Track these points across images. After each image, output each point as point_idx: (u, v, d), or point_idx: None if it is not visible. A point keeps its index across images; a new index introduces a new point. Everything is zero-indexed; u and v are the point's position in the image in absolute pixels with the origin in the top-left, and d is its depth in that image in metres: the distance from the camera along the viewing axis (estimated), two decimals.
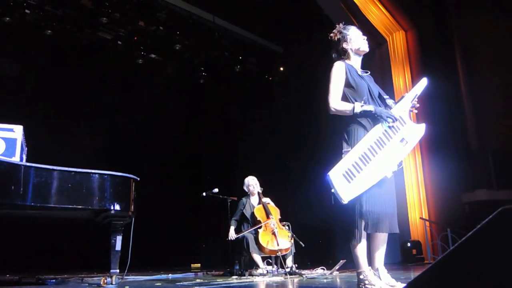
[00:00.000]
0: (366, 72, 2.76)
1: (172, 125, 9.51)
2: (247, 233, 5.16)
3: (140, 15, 8.03)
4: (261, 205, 5.33)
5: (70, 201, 3.21)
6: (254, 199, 5.51)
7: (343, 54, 2.74)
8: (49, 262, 6.87)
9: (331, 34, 2.78)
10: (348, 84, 2.62)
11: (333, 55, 2.78)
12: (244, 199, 5.52)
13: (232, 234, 5.21)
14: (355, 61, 2.74)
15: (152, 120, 8.95)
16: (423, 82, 2.72)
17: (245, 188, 5.57)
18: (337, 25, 2.80)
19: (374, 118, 2.50)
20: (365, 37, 2.75)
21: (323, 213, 6.86)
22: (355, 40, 2.72)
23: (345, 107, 2.54)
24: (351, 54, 2.73)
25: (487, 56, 8.40)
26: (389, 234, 2.55)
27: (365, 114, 2.50)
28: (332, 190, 2.31)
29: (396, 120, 2.50)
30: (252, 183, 5.51)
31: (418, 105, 2.71)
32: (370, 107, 2.49)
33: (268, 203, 5.41)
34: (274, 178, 6.66)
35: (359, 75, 2.67)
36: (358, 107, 2.49)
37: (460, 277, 1.15)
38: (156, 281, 4.53)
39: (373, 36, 8.70)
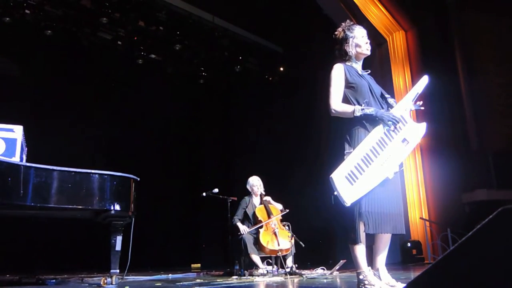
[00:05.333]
0: (367, 71, 2.75)
1: (172, 125, 9.51)
2: (248, 233, 5.17)
3: (140, 15, 8.03)
4: (262, 205, 5.33)
5: (70, 201, 3.21)
6: (256, 199, 5.51)
7: (343, 55, 2.72)
8: (49, 262, 6.87)
9: (336, 32, 2.75)
10: (348, 85, 2.60)
11: (336, 53, 2.77)
12: (246, 198, 5.52)
13: (244, 228, 5.18)
14: (356, 62, 2.73)
15: (152, 120, 8.95)
16: (424, 80, 2.71)
17: (248, 187, 5.56)
18: (343, 23, 2.76)
19: (375, 121, 2.50)
20: (368, 41, 2.72)
21: (323, 213, 6.86)
22: (357, 43, 2.69)
23: (345, 109, 2.53)
24: (352, 56, 2.71)
25: (487, 56, 8.39)
26: (393, 235, 2.55)
27: (366, 117, 2.49)
28: (335, 193, 2.30)
29: (398, 123, 2.49)
30: (256, 184, 5.50)
31: (421, 102, 2.70)
32: (371, 110, 2.47)
33: (269, 202, 5.41)
34: (274, 178, 6.66)
35: (359, 74, 2.66)
36: (359, 110, 2.47)
37: (460, 277, 1.15)
38: (156, 281, 4.53)
39: (373, 36, 8.69)
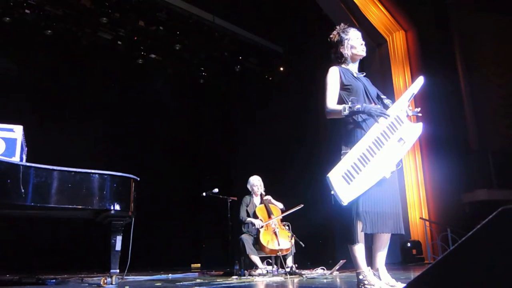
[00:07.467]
0: (362, 73, 2.76)
1: (172, 125, 9.51)
2: (247, 234, 5.18)
3: (140, 15, 8.03)
4: (263, 205, 5.33)
5: (70, 201, 3.21)
6: (256, 199, 5.52)
7: (339, 58, 2.75)
8: (49, 262, 6.87)
9: (331, 35, 2.79)
10: (343, 87, 2.63)
11: (332, 56, 2.80)
12: (247, 197, 5.52)
13: (259, 223, 5.13)
14: (351, 64, 2.75)
15: (152, 120, 8.95)
16: (420, 81, 2.74)
17: (249, 187, 5.57)
18: (337, 26, 2.80)
19: (371, 121, 2.50)
20: (363, 43, 2.75)
21: (323, 213, 6.85)
22: (353, 45, 2.71)
23: (336, 109, 2.56)
24: (348, 58, 2.73)
25: (487, 56, 8.41)
26: (392, 234, 2.55)
27: (356, 113, 2.50)
28: (332, 192, 2.31)
29: (388, 116, 2.50)
30: (257, 183, 5.50)
31: (419, 109, 2.71)
32: (357, 106, 2.48)
33: (270, 202, 5.41)
34: (274, 178, 6.66)
35: (354, 76, 2.68)
36: (346, 108, 2.49)
37: (460, 277, 1.15)
38: (156, 281, 4.53)
39: (373, 36, 8.71)
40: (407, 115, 2.65)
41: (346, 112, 2.49)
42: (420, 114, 2.73)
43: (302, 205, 5.11)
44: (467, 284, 1.12)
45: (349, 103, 2.53)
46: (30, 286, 3.94)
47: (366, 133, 2.48)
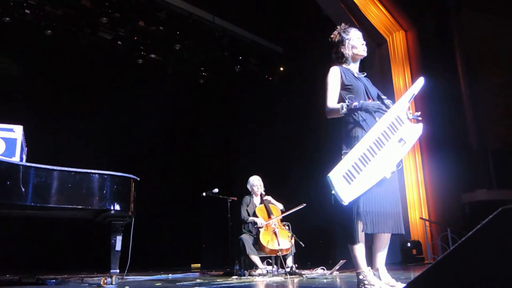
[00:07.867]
0: (363, 73, 2.77)
1: (172, 125, 9.52)
2: (247, 234, 5.18)
3: (140, 15, 8.03)
4: (262, 205, 5.33)
5: (70, 201, 3.21)
6: (256, 199, 5.52)
7: (340, 58, 2.76)
8: (49, 262, 6.88)
9: (331, 36, 2.79)
10: (344, 87, 2.64)
11: (332, 56, 2.80)
12: (247, 197, 5.52)
13: (261, 222, 5.11)
14: (352, 64, 2.76)
15: (152, 120, 8.95)
16: (420, 82, 2.73)
17: (249, 187, 5.57)
18: (338, 26, 2.80)
19: (371, 120, 2.51)
20: (364, 42, 2.76)
21: (323, 213, 6.85)
22: (354, 45, 2.72)
23: (335, 108, 2.56)
24: (349, 58, 2.74)
25: (487, 56, 8.40)
26: (393, 234, 2.55)
27: (354, 111, 2.51)
28: (333, 192, 2.31)
29: (385, 112, 2.51)
30: (257, 183, 5.50)
31: (419, 113, 2.71)
32: (355, 104, 2.49)
33: (270, 202, 5.41)
34: (274, 178, 6.66)
35: (355, 76, 2.69)
36: (344, 107, 2.50)
37: (460, 277, 1.15)
38: (156, 281, 4.53)
39: (373, 36, 8.70)
40: (407, 118, 2.66)
41: (344, 110, 2.50)
42: (420, 118, 2.73)
43: (305, 204, 5.09)
44: (467, 284, 1.12)
45: (346, 101, 2.54)
46: (30, 286, 3.95)
47: (366, 133, 2.48)
